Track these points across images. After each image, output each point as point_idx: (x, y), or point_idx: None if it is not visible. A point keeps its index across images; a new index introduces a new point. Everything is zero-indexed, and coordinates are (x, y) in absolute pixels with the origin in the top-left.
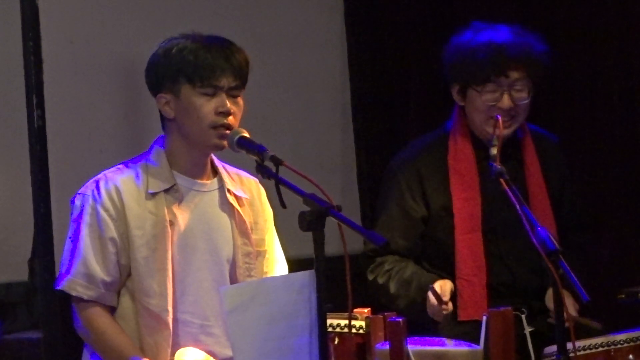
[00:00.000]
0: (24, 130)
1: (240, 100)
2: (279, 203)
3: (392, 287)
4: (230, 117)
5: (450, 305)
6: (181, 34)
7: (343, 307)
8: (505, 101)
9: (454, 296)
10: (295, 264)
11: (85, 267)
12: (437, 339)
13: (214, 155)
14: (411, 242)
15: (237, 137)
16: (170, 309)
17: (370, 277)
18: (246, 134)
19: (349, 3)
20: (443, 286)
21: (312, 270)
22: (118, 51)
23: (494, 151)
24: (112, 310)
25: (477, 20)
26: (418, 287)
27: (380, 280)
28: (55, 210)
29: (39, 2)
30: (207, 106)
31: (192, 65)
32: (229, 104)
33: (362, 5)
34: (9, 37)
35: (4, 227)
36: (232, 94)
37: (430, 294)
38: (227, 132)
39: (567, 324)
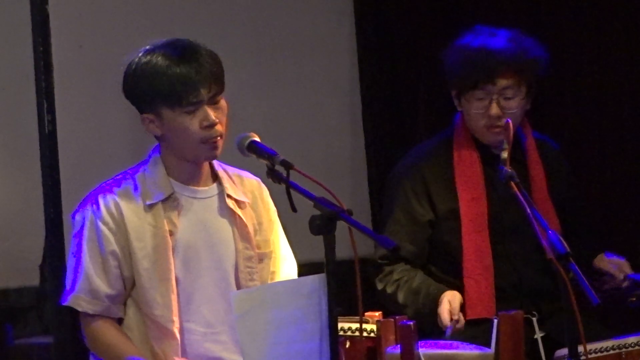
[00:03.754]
0: (35, 135)
1: (222, 103)
2: (289, 207)
3: (401, 297)
4: (217, 126)
5: (462, 321)
6: (149, 46)
7: (353, 311)
8: (493, 109)
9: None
10: (305, 268)
11: (88, 282)
12: (447, 342)
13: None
14: (419, 247)
15: (247, 142)
16: (175, 318)
17: (380, 286)
18: (257, 138)
19: (358, 7)
20: (452, 301)
21: (322, 274)
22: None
23: (504, 155)
24: (119, 320)
25: (483, 24)
26: (426, 297)
27: (389, 290)
28: (66, 215)
29: (48, 7)
30: (193, 124)
31: (165, 88)
32: (212, 115)
33: (372, 9)
34: (19, 42)
35: (14, 232)
36: (212, 101)
37: (440, 314)
38: (218, 139)
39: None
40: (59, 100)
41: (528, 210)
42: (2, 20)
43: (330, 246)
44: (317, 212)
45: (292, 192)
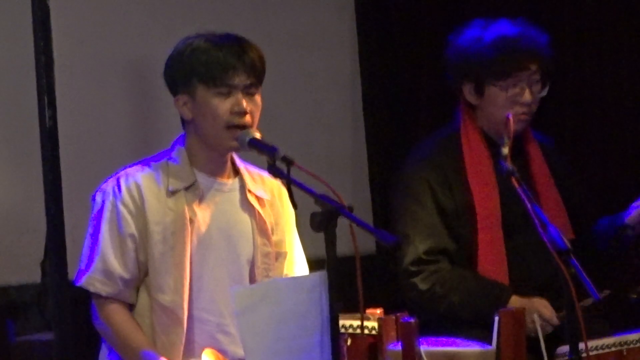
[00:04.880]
0: (35, 130)
1: (257, 98)
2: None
3: (456, 298)
4: (247, 117)
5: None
6: (196, 33)
7: (355, 308)
8: (527, 95)
9: None
10: (308, 265)
11: (104, 263)
12: (448, 339)
13: (235, 155)
14: (456, 240)
15: (248, 138)
16: (185, 305)
17: (424, 286)
18: (258, 134)
19: (359, 3)
20: (546, 307)
21: (324, 271)
22: (129, 51)
23: (505, 150)
24: (130, 307)
25: (480, 19)
26: (491, 298)
27: (440, 290)
28: (67, 211)
29: (50, 2)
30: (223, 106)
31: (204, 66)
32: (245, 103)
33: (373, 5)
34: (20, 38)
35: (15, 228)
36: (248, 92)
37: (542, 312)
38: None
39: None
40: (60, 96)
41: (528, 205)
42: (3, 16)
43: (331, 242)
44: (318, 209)
45: (293, 188)
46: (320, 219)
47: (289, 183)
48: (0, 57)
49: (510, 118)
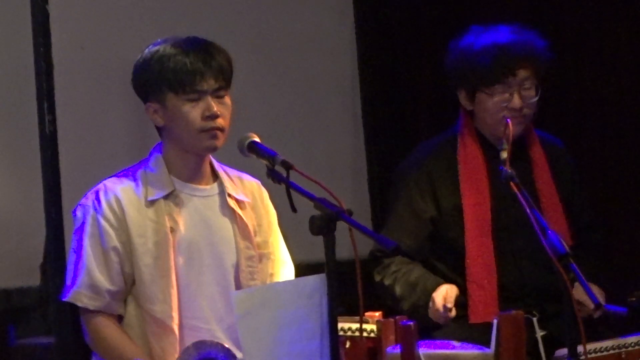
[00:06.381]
0: (35, 135)
1: (227, 100)
2: (289, 208)
3: (398, 289)
4: (219, 119)
5: (453, 312)
6: (161, 39)
7: (354, 311)
8: (516, 101)
9: (464, 300)
10: (305, 269)
11: (89, 277)
12: (448, 342)
13: (215, 158)
14: (418, 243)
15: (247, 142)
16: (174, 314)
17: (377, 278)
18: (257, 139)
19: (359, 8)
20: (449, 291)
21: (323, 275)
22: (129, 56)
23: (504, 155)
24: (119, 318)
25: (483, 22)
26: (422, 291)
27: (387, 282)
28: (67, 215)
29: (49, 7)
30: (194, 112)
31: (172, 73)
32: (215, 107)
33: (373, 9)
34: (20, 43)
35: (16, 232)
36: (217, 95)
37: (434, 298)
38: (218, 132)
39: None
40: (60, 101)
41: (528, 210)
42: (3, 21)
43: (330, 246)
44: (318, 213)
45: (292, 192)
46: (319, 223)
47: (288, 187)
48: (0, 63)
49: (510, 122)
